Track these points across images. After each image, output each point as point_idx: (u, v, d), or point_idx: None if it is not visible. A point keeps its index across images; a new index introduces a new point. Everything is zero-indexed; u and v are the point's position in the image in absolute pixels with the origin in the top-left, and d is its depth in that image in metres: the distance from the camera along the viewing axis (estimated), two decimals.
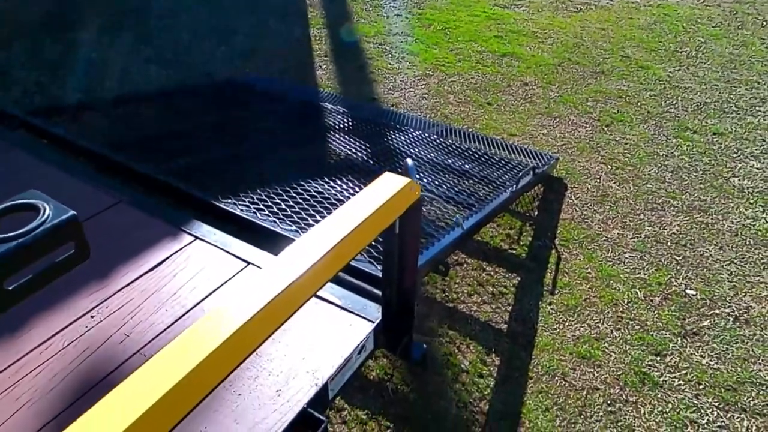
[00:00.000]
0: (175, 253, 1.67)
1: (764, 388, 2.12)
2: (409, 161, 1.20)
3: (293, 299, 1.02)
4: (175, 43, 4.96)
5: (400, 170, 1.20)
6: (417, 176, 1.17)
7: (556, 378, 2.14)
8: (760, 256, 2.72)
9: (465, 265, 2.63)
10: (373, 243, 1.43)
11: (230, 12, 5.59)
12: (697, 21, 5.34)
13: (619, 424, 1.99)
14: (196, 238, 1.73)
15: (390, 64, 4.60)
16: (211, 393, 0.85)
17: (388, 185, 1.17)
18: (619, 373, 2.17)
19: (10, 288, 0.76)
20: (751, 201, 3.09)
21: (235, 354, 0.91)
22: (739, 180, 3.26)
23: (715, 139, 3.63)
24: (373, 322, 1.43)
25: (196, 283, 1.55)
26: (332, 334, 1.40)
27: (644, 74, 4.43)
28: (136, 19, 5.26)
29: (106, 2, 5.17)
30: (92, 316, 1.45)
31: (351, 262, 1.38)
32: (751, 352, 2.25)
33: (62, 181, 2.02)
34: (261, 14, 5.57)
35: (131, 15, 5.27)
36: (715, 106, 4.00)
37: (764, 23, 5.26)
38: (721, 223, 2.93)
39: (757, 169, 3.35)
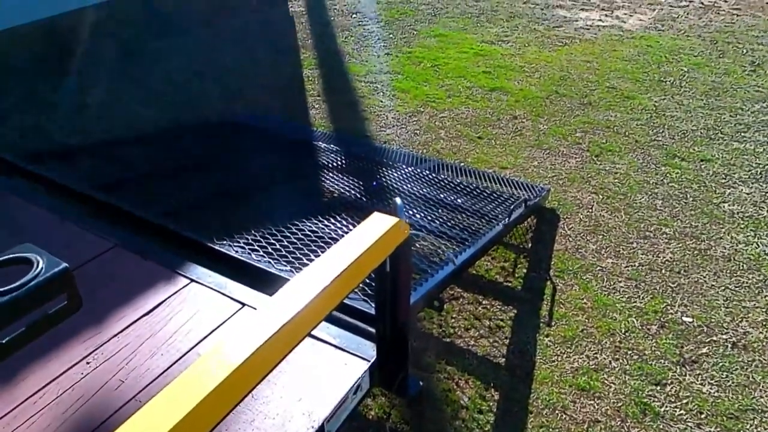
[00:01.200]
0: (170, 296, 1.67)
1: (766, 415, 2.10)
2: (398, 200, 1.22)
3: (288, 340, 1.02)
4: (168, 82, 5.05)
5: (389, 209, 1.22)
6: (405, 215, 1.19)
7: (557, 411, 2.12)
8: (754, 280, 2.73)
9: (461, 299, 2.63)
10: (367, 281, 1.44)
11: (224, 53, 5.71)
12: (680, 51, 5.47)
13: None
14: (192, 280, 1.74)
15: (382, 101, 4.68)
16: None
17: (377, 225, 1.19)
18: (619, 404, 2.15)
19: (4, 341, 0.77)
20: (742, 226, 3.12)
21: (230, 397, 0.91)
22: (729, 205, 3.30)
23: (703, 166, 3.69)
24: (369, 361, 1.43)
25: (192, 326, 1.56)
26: (328, 374, 1.40)
27: (630, 104, 4.52)
28: (129, 59, 5.38)
29: (94, 44, 5.29)
30: (88, 363, 1.45)
31: (345, 301, 1.39)
32: (751, 379, 2.25)
33: (57, 226, 2.03)
34: (254, 55, 5.69)
35: (123, 55, 5.38)
36: (701, 133, 4.07)
37: (744, 51, 5.40)
38: (713, 248, 2.95)
39: (746, 194, 3.39)
